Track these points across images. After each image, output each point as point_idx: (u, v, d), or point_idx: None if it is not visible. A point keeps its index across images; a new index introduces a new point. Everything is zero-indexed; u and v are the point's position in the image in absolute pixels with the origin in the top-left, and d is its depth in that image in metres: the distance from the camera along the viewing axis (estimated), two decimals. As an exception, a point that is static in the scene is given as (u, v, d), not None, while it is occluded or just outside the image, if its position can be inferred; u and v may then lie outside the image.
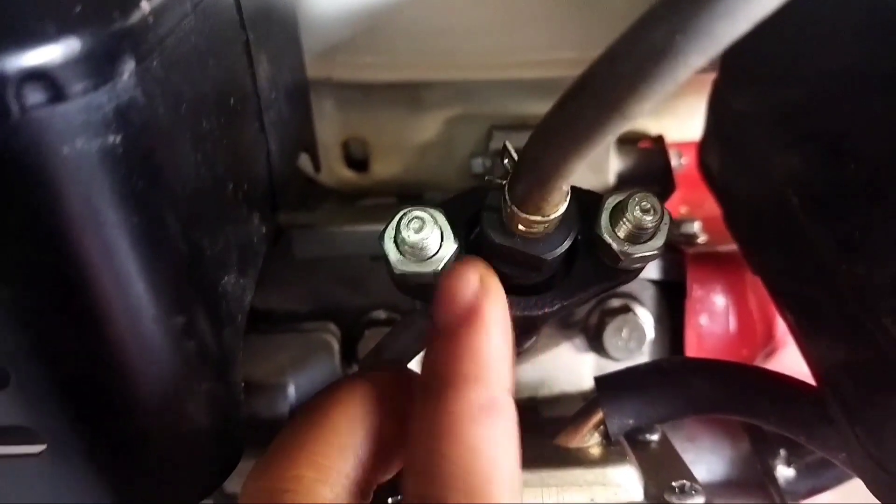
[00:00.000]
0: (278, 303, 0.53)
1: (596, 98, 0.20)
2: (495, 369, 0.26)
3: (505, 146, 0.29)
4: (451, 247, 0.30)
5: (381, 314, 0.53)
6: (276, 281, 0.53)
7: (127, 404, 0.27)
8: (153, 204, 0.24)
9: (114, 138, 0.22)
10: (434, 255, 0.30)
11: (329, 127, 0.63)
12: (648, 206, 0.30)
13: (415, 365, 0.35)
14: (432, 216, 0.30)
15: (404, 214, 0.30)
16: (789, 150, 0.38)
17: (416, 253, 0.30)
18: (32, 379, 0.25)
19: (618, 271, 0.31)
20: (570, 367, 0.53)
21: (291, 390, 0.51)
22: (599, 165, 0.60)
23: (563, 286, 0.31)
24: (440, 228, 0.30)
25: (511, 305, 0.28)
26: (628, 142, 0.63)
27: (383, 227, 0.30)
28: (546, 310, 0.31)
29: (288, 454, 0.28)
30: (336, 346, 0.52)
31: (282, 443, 0.28)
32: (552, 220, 0.28)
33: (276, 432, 0.29)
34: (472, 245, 0.32)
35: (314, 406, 0.30)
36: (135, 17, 0.22)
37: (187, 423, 0.30)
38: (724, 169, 0.48)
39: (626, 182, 0.61)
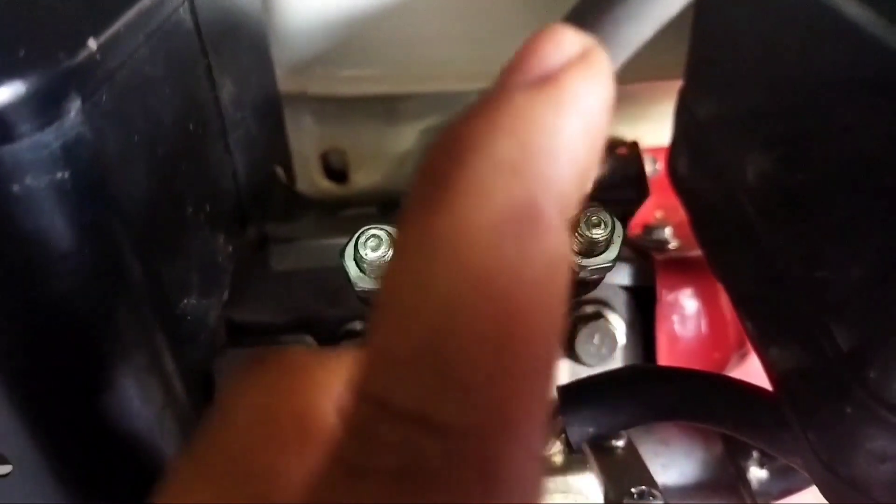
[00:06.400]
0: (256, 315, 0.53)
1: None
2: (551, 166, 0.14)
3: None
4: (406, 264, 0.31)
5: (357, 325, 0.54)
6: (253, 294, 0.53)
7: (88, 425, 0.28)
8: (106, 233, 0.25)
9: (62, 174, 0.23)
10: (390, 272, 0.31)
11: (307, 139, 0.63)
12: (598, 220, 0.30)
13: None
14: (389, 234, 0.31)
15: (362, 233, 0.31)
16: (746, 157, 0.38)
17: (375, 270, 0.31)
18: (-5, 403, 0.26)
19: (576, 283, 0.32)
20: (544, 373, 0.54)
21: (270, 401, 0.51)
22: (574, 173, 0.61)
23: None
24: (396, 246, 0.31)
25: None
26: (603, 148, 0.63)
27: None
28: None
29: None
30: (314, 356, 0.53)
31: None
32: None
33: None
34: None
35: None
36: (81, 56, 0.23)
37: (153, 441, 0.30)
38: (690, 175, 0.48)
39: (601, 188, 0.62)
